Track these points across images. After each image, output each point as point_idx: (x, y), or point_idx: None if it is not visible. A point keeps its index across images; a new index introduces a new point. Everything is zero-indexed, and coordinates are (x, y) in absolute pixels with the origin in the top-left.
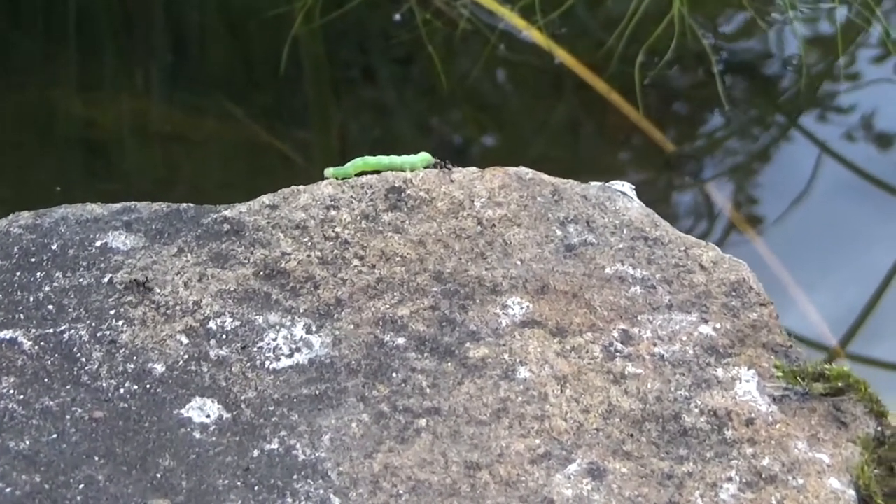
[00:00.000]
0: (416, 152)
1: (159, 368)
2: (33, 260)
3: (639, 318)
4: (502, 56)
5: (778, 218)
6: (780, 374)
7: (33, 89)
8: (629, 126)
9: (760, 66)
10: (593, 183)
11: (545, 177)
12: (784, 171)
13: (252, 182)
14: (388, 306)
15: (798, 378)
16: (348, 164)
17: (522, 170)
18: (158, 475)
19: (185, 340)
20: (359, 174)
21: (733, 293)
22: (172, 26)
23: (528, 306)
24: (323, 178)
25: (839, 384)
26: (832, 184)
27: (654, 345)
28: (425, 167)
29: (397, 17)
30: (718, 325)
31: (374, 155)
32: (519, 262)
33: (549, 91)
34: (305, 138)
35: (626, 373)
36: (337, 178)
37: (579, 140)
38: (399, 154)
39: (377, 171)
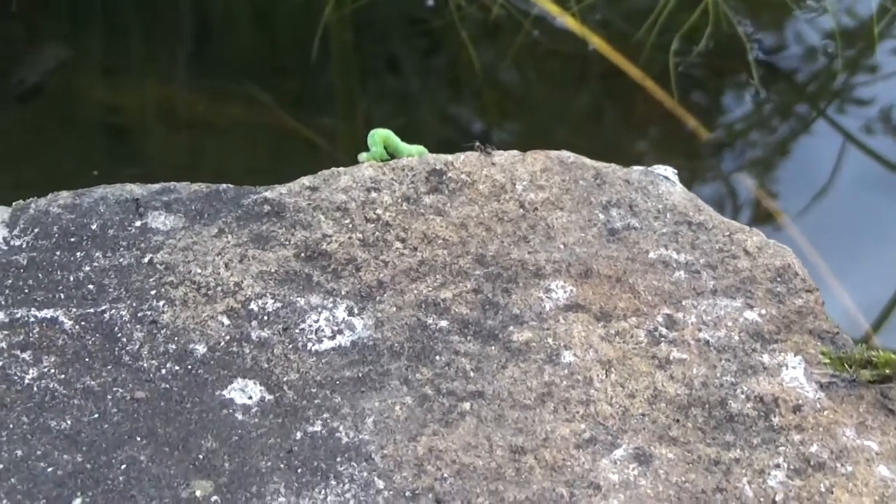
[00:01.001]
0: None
1: (201, 349)
2: (73, 239)
3: (683, 303)
4: (535, 42)
5: (806, 207)
6: (827, 360)
7: (58, 74)
8: (663, 113)
9: (793, 54)
10: (635, 167)
11: (587, 160)
12: (813, 160)
13: (277, 168)
14: (430, 289)
15: (845, 365)
16: (370, 142)
17: (564, 153)
18: (201, 456)
19: (226, 321)
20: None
21: (778, 279)
22: (199, 11)
23: (571, 290)
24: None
25: (887, 371)
26: (859, 174)
27: (699, 330)
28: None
29: (430, 2)
30: (764, 311)
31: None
32: (562, 246)
33: (583, 78)
34: (331, 125)
35: (672, 358)
36: (375, 160)
37: (612, 127)
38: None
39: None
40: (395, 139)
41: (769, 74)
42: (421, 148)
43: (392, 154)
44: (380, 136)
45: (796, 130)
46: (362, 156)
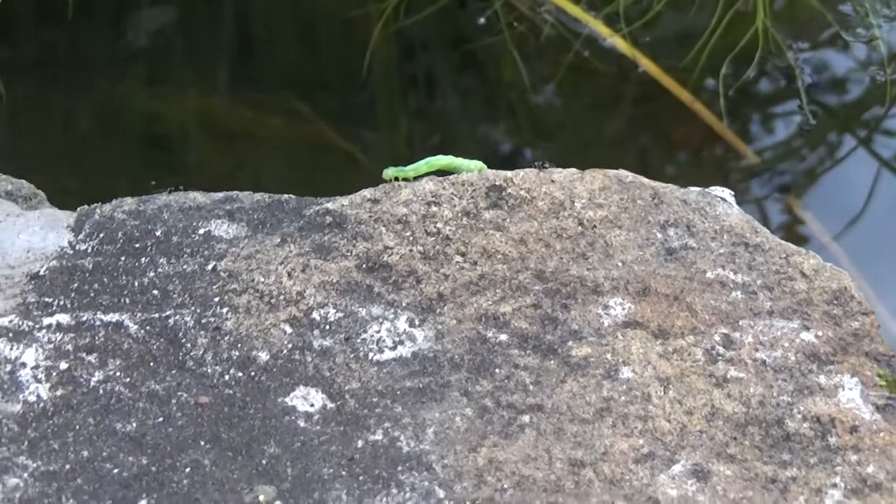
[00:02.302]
0: (485, 159)
1: (264, 356)
2: (137, 245)
3: (740, 322)
4: (582, 64)
5: (844, 231)
6: (884, 382)
7: (102, 84)
8: (710, 136)
9: (843, 80)
10: (692, 188)
11: (645, 180)
12: (858, 186)
13: (315, 181)
14: (490, 303)
15: None
16: (411, 167)
17: (622, 172)
18: (264, 461)
19: (288, 330)
20: (418, 177)
21: (835, 301)
22: (241, 24)
23: (629, 307)
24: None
25: None
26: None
27: (756, 350)
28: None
29: (482, 20)
30: (820, 333)
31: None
32: (620, 264)
33: (631, 100)
34: (372, 139)
35: (729, 376)
36: (397, 179)
37: (658, 150)
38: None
39: (435, 173)
40: (457, 162)
41: (816, 100)
42: (479, 163)
43: (452, 171)
44: (439, 165)
45: (842, 156)
46: (388, 171)
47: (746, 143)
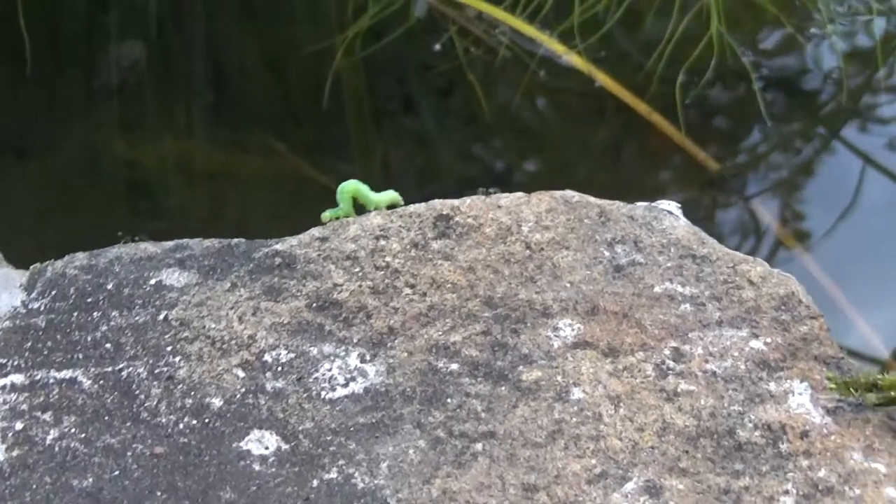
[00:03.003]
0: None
1: (217, 402)
2: (90, 300)
3: (689, 335)
4: (543, 82)
5: (825, 233)
6: (833, 385)
7: (76, 131)
8: (671, 146)
9: (800, 81)
10: (639, 203)
11: (591, 199)
12: (828, 186)
13: (298, 216)
14: (440, 333)
15: (851, 389)
16: (340, 207)
17: (569, 193)
18: None
19: (241, 374)
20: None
21: (783, 307)
22: (212, 64)
23: (579, 328)
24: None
25: (892, 394)
26: (878, 197)
27: (706, 361)
28: (389, 207)
29: (437, 47)
30: (769, 340)
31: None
32: (568, 285)
33: (591, 114)
34: (349, 171)
35: (679, 390)
36: (338, 218)
37: (622, 162)
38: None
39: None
40: (365, 190)
41: (778, 102)
42: (393, 195)
43: (363, 205)
44: (348, 190)
45: (806, 158)
46: (325, 214)
47: (708, 150)
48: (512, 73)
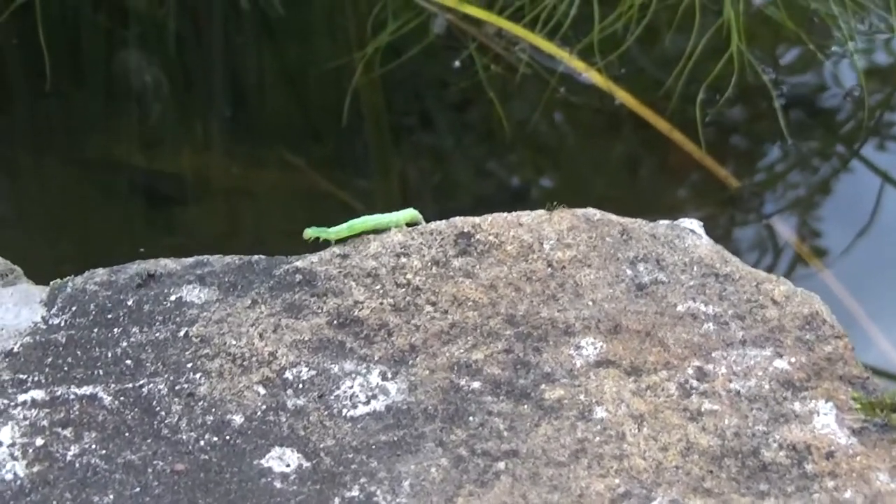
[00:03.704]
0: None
1: (238, 419)
2: (109, 316)
3: (713, 354)
4: (562, 99)
5: (844, 250)
6: (859, 406)
7: (94, 147)
8: (691, 164)
9: (820, 99)
10: (661, 221)
11: (613, 217)
12: (847, 203)
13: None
14: (462, 351)
15: (876, 410)
16: (333, 229)
17: (590, 211)
18: None
19: (262, 391)
20: (341, 239)
21: (807, 326)
22: (230, 80)
23: (601, 346)
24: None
25: None
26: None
27: (730, 381)
28: (409, 225)
29: (457, 63)
30: (793, 359)
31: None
32: (591, 303)
33: (610, 132)
34: (366, 186)
35: (703, 409)
36: (318, 239)
37: (640, 179)
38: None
39: (364, 233)
40: (373, 221)
41: (797, 120)
42: (412, 212)
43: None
44: (344, 231)
45: (826, 175)
46: (308, 231)
47: (728, 167)
48: (531, 90)
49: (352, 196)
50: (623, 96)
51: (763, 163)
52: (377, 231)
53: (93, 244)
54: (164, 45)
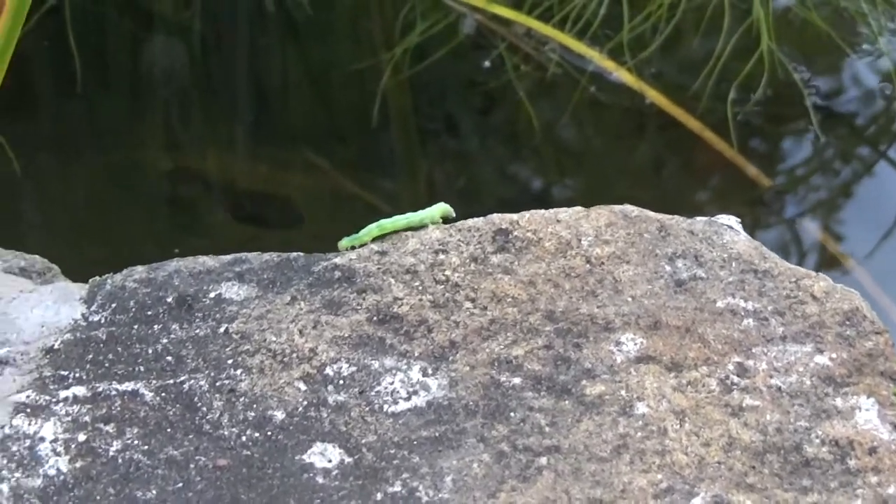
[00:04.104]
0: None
1: (279, 415)
2: (150, 313)
3: (753, 350)
4: (592, 98)
5: (872, 250)
6: None
7: (120, 149)
8: (720, 163)
9: (849, 97)
10: (699, 218)
11: (651, 213)
12: (876, 203)
13: (341, 234)
14: (502, 347)
15: None
16: (363, 231)
17: (628, 207)
18: None
19: (303, 387)
20: (374, 239)
21: (847, 322)
22: (255, 81)
23: (641, 342)
24: None
25: None
26: None
27: (771, 376)
28: (443, 219)
29: (487, 63)
30: (834, 355)
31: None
32: (630, 299)
33: (641, 131)
34: (392, 188)
35: (744, 405)
36: (354, 247)
37: (669, 180)
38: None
39: (395, 232)
40: (404, 220)
41: (828, 119)
42: (444, 207)
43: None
44: (374, 231)
45: (858, 174)
46: (342, 242)
47: (760, 166)
48: (561, 90)
49: (378, 198)
50: (654, 95)
51: (793, 161)
52: (409, 229)
53: (118, 248)
54: (190, 47)
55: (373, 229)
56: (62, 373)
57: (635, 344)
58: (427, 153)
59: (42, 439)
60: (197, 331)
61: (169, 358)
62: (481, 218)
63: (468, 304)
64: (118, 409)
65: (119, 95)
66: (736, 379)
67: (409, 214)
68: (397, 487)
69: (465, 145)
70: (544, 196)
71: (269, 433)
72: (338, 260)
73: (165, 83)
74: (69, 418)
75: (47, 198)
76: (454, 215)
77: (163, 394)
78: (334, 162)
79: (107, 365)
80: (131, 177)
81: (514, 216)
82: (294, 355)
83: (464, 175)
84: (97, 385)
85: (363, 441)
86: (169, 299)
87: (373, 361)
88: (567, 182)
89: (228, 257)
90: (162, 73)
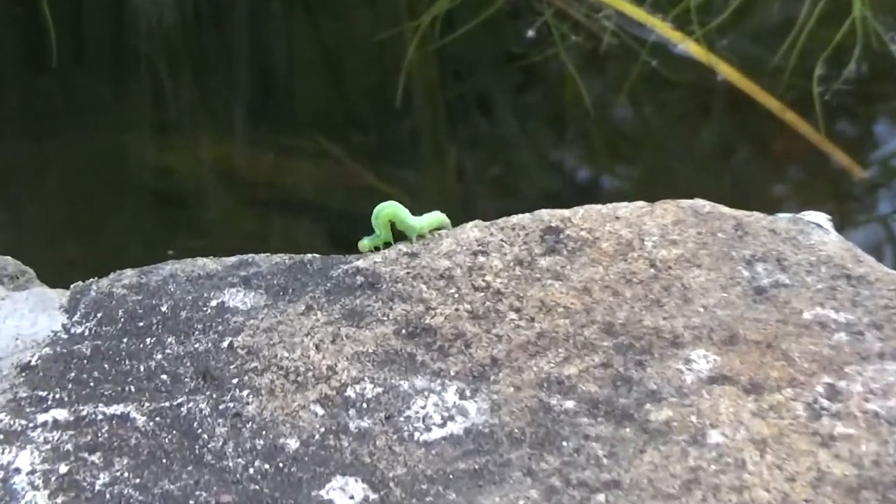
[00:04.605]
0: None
1: (293, 444)
2: (141, 324)
3: (846, 369)
4: (653, 74)
5: None
6: None
7: (102, 133)
8: (805, 149)
9: None
10: (781, 215)
11: (725, 209)
12: None
13: (355, 234)
14: (552, 365)
15: None
16: (378, 234)
17: (698, 202)
18: None
19: (320, 411)
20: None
21: None
22: (257, 57)
23: (715, 360)
24: None
25: None
26: None
27: (867, 400)
28: (433, 230)
29: (530, 33)
30: None
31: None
32: (701, 309)
33: (709, 112)
34: (415, 179)
35: (836, 433)
36: (377, 248)
37: (746, 168)
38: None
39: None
40: (404, 214)
41: None
42: (439, 217)
43: (402, 231)
44: (385, 214)
45: None
46: (363, 243)
47: (852, 153)
48: (616, 64)
49: (399, 190)
50: (726, 70)
51: (890, 148)
52: (402, 230)
53: (98, 247)
54: (183, 14)
55: (382, 230)
56: (40, 393)
57: (708, 362)
58: (456, 138)
59: (17, 470)
60: (196, 345)
61: (164, 377)
62: (527, 214)
63: (512, 315)
64: (105, 435)
65: (100, 69)
66: (826, 403)
67: (409, 215)
68: None
69: (501, 128)
70: (594, 187)
71: (281, 465)
72: (360, 263)
73: (153, 57)
74: (48, 446)
75: (16, 188)
76: (450, 227)
77: (157, 418)
78: (349, 149)
79: (92, 384)
80: (114, 164)
81: (566, 212)
82: (310, 374)
83: (498, 163)
84: (81, 408)
85: (390, 474)
86: (163, 308)
87: (401, 381)
88: (621, 170)
89: (232, 259)
90: (149, 45)
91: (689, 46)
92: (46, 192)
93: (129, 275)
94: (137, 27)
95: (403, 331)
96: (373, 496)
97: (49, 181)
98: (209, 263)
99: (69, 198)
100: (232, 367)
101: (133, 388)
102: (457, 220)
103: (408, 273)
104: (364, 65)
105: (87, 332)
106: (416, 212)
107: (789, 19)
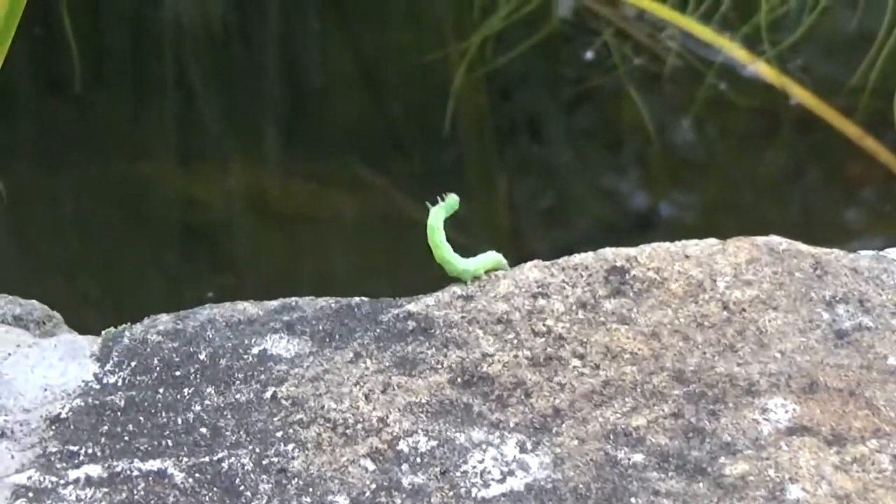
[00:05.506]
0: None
1: (342, 501)
2: (178, 373)
3: None
4: (720, 97)
5: None
6: None
7: (121, 160)
8: (885, 175)
9: None
10: (864, 252)
11: (803, 247)
12: None
13: (399, 270)
14: (618, 415)
15: None
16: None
17: (774, 239)
18: None
19: (371, 466)
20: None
21: None
22: (290, 78)
23: (794, 409)
24: None
25: None
26: None
27: None
28: (489, 271)
29: (589, 55)
30: None
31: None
32: (778, 355)
33: (779, 137)
34: (463, 210)
35: None
36: (479, 278)
37: (819, 197)
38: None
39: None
40: (452, 257)
41: None
42: (495, 258)
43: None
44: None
45: None
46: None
47: None
48: (681, 87)
49: (446, 223)
50: (800, 93)
51: None
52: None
53: (119, 284)
54: (209, 31)
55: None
56: (71, 448)
57: (786, 411)
58: (506, 166)
59: None
60: (237, 396)
61: (203, 430)
62: (590, 253)
63: (576, 362)
64: (141, 493)
65: (121, 91)
66: None
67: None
68: None
69: (555, 156)
70: (653, 217)
71: None
72: (412, 307)
73: (178, 78)
74: None
75: (32, 222)
76: (507, 268)
77: (196, 474)
78: (390, 178)
79: (126, 438)
80: (136, 194)
81: (632, 251)
82: (359, 426)
83: (551, 193)
84: (115, 463)
85: None
86: (202, 356)
87: (457, 434)
88: (685, 199)
89: (274, 303)
90: (173, 65)
91: (760, 67)
92: (62, 225)
93: (164, 320)
94: (162, 46)
95: (459, 379)
96: None
97: (64, 213)
98: (249, 307)
99: (88, 231)
100: (276, 419)
101: (170, 443)
102: (506, 252)
103: (463, 317)
104: (406, 85)
105: (120, 382)
106: (467, 248)
107: (869, 33)
